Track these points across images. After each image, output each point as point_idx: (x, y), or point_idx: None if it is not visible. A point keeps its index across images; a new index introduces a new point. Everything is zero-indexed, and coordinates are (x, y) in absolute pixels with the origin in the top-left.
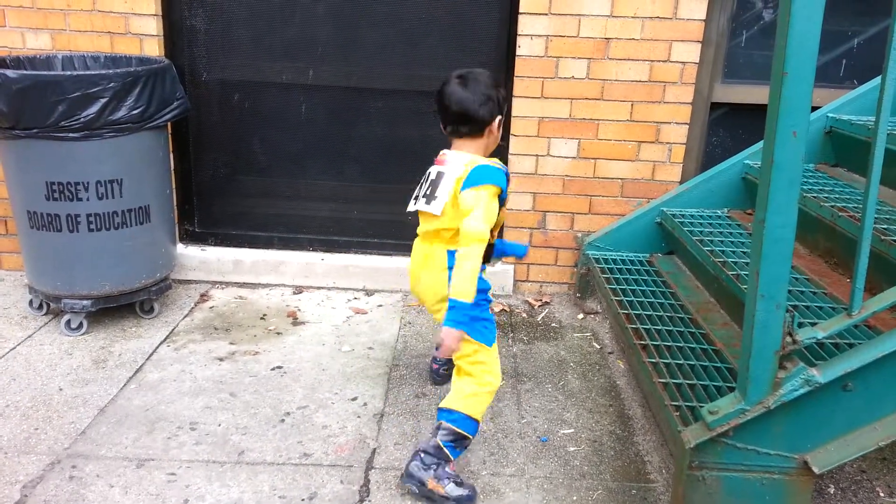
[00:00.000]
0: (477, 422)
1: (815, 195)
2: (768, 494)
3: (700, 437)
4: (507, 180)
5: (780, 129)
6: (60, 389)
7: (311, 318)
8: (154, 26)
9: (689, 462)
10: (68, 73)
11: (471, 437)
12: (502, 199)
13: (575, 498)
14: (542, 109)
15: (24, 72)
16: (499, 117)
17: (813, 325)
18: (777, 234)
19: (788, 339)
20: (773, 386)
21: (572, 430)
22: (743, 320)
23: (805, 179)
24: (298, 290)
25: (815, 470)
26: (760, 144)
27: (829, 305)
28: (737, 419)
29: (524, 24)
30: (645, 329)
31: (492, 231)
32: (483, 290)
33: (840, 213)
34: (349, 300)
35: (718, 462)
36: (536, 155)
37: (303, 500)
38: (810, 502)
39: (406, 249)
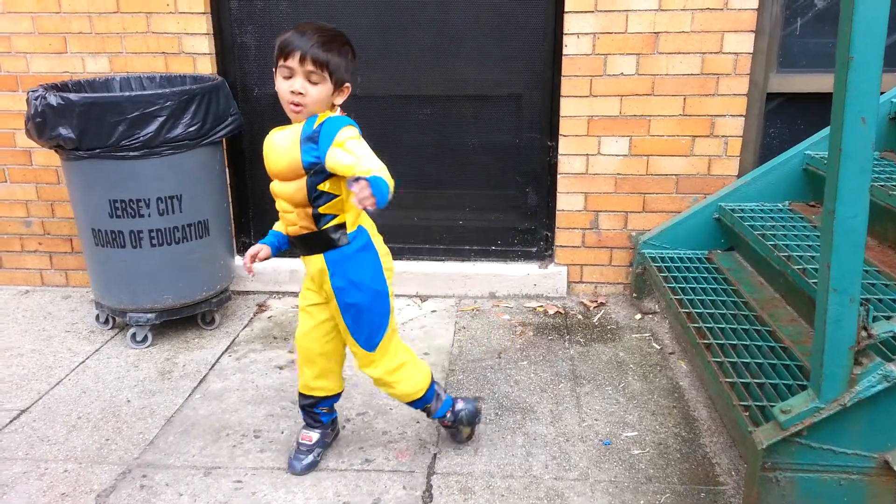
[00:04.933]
0: (425, 391)
1: (882, 184)
2: (847, 496)
3: (772, 437)
4: None
5: (848, 116)
6: (128, 401)
7: None
8: (206, 45)
9: (761, 463)
10: (127, 94)
11: (430, 401)
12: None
13: (642, 502)
14: (591, 108)
15: (86, 94)
16: (273, 69)
17: (888, 318)
18: (848, 225)
19: (863, 333)
20: (849, 383)
21: (636, 433)
22: (811, 316)
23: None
24: None
25: None
26: (821, 134)
27: None
28: (811, 418)
29: (570, 23)
30: (708, 328)
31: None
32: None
33: None
34: (403, 307)
35: (792, 463)
36: (587, 154)
37: None
38: None
39: (458, 255)
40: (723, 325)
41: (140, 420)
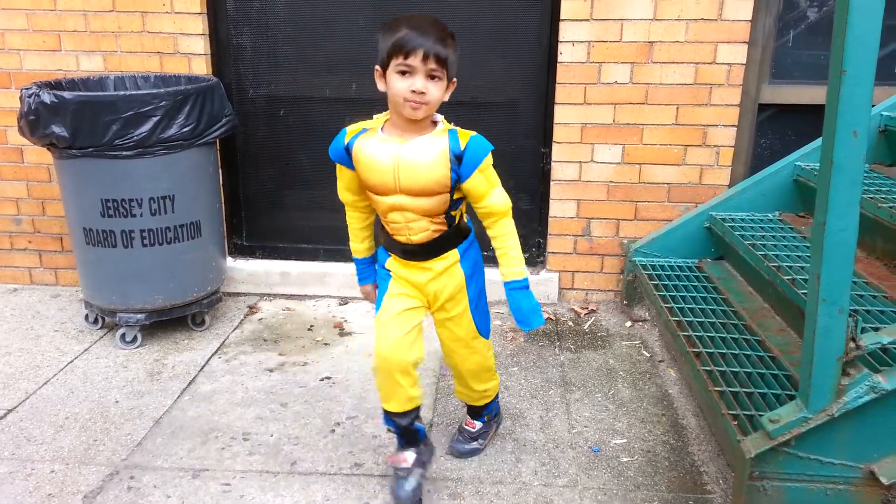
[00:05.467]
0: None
1: (871, 196)
2: None
3: (761, 446)
4: (339, 152)
5: (840, 129)
6: (117, 402)
7: (358, 328)
8: (202, 45)
9: (749, 472)
10: (122, 93)
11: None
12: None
13: None
14: (584, 115)
15: (80, 93)
16: (377, 67)
17: (876, 329)
18: (838, 238)
19: (852, 344)
20: (837, 393)
21: (625, 440)
22: (799, 326)
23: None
24: (344, 301)
25: (883, 481)
26: (812, 145)
27: (892, 310)
28: (799, 427)
29: (565, 31)
30: (698, 336)
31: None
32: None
33: None
34: None
35: (780, 472)
36: (580, 161)
37: None
38: None
39: None
40: (712, 334)
41: (128, 421)
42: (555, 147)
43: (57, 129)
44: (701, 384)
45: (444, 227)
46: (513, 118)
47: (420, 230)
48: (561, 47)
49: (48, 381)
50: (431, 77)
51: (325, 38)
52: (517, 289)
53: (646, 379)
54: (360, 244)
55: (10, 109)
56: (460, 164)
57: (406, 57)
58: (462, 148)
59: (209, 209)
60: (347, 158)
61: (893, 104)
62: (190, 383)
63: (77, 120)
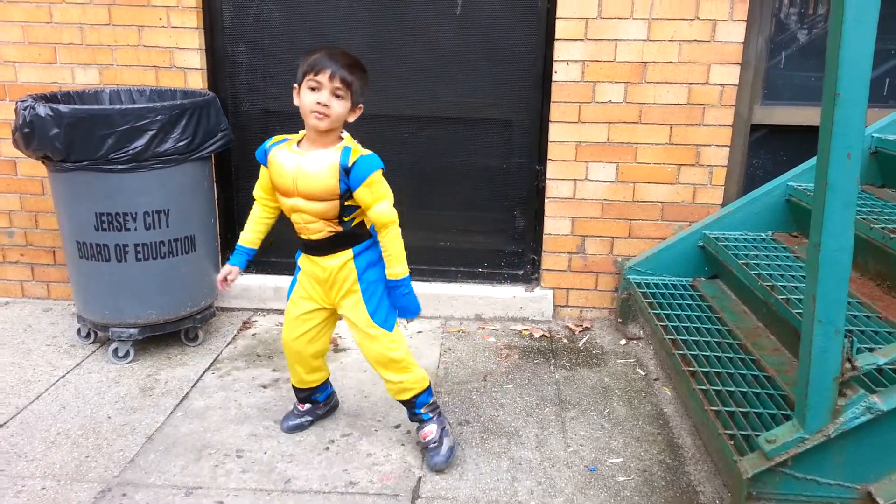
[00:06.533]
0: (427, 388)
1: (863, 217)
2: None
3: (757, 466)
4: (261, 154)
5: (834, 151)
6: (109, 417)
7: (352, 344)
8: (198, 60)
9: (746, 493)
10: (117, 106)
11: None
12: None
13: None
14: (578, 134)
15: (75, 106)
16: (295, 85)
17: (871, 350)
18: (834, 258)
19: (847, 365)
20: (833, 414)
21: (621, 460)
22: (794, 345)
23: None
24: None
25: (881, 502)
26: (804, 166)
27: (886, 330)
28: (796, 448)
29: (560, 50)
30: (693, 355)
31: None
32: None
33: (892, 235)
34: None
35: (777, 492)
36: (574, 179)
37: None
38: None
39: (445, 276)
40: (707, 353)
41: (120, 437)
42: (549, 165)
43: (52, 142)
44: (697, 403)
45: (339, 229)
46: (507, 136)
47: (316, 230)
48: (556, 66)
49: (39, 396)
50: (336, 95)
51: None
52: (393, 286)
53: (641, 397)
54: (249, 234)
55: (4, 122)
56: (349, 176)
57: (316, 74)
58: (350, 164)
59: (203, 224)
60: (265, 160)
61: (884, 126)
62: (183, 399)
63: (72, 133)
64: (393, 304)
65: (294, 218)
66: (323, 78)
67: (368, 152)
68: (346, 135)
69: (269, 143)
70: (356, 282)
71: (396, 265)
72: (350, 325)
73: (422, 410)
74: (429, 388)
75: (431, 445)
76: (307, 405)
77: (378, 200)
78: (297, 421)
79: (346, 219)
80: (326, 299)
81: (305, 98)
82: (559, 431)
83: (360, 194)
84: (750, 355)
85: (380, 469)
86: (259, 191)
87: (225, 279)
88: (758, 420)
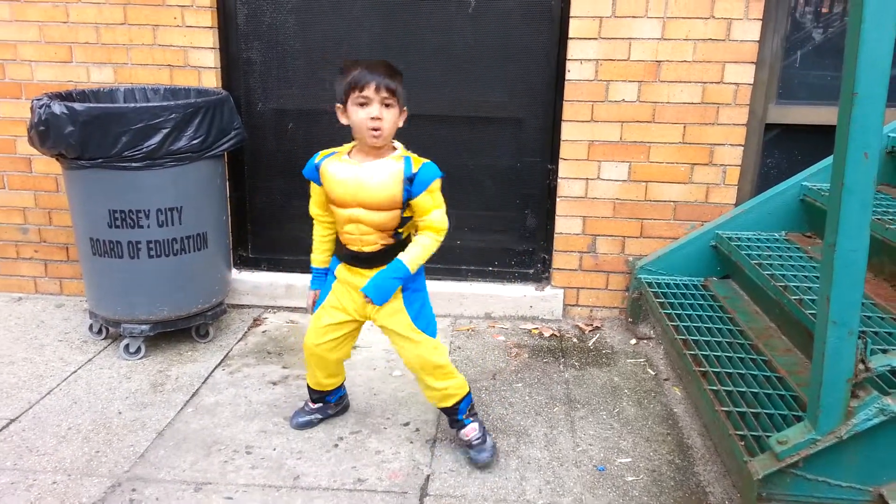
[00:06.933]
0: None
1: (878, 217)
2: None
3: (768, 467)
4: (311, 170)
5: (851, 151)
6: (119, 413)
7: (361, 342)
8: (212, 59)
9: (757, 494)
10: (132, 105)
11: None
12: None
13: None
14: (591, 133)
15: (90, 105)
16: (338, 105)
17: (885, 352)
18: (849, 259)
19: (861, 366)
20: (846, 415)
21: (630, 459)
22: (806, 346)
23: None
24: None
25: None
26: (818, 166)
27: None
28: (807, 449)
29: (574, 49)
30: (704, 355)
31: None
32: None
33: None
34: None
35: (788, 494)
36: (586, 178)
37: None
38: None
39: (455, 274)
40: (718, 353)
41: (131, 433)
42: (561, 164)
43: (67, 140)
44: (707, 403)
45: (391, 242)
46: (520, 135)
47: (370, 243)
48: (569, 65)
49: (51, 391)
50: (385, 105)
51: (333, 53)
52: (394, 267)
53: (651, 397)
54: (319, 255)
55: (20, 119)
56: (412, 184)
57: (362, 90)
58: (414, 171)
59: (216, 221)
60: (317, 175)
61: None
62: (193, 395)
63: (87, 131)
64: (377, 276)
65: (349, 229)
66: (370, 92)
67: (427, 160)
68: (397, 143)
69: (316, 158)
70: (399, 291)
71: (414, 261)
72: (391, 335)
73: (463, 416)
74: (469, 393)
75: (475, 442)
76: (318, 404)
77: (436, 208)
78: (307, 418)
79: (400, 230)
80: (361, 311)
81: (356, 115)
82: (568, 431)
83: (421, 200)
84: (761, 356)
85: (388, 466)
86: (315, 208)
87: (314, 303)
88: (769, 421)
